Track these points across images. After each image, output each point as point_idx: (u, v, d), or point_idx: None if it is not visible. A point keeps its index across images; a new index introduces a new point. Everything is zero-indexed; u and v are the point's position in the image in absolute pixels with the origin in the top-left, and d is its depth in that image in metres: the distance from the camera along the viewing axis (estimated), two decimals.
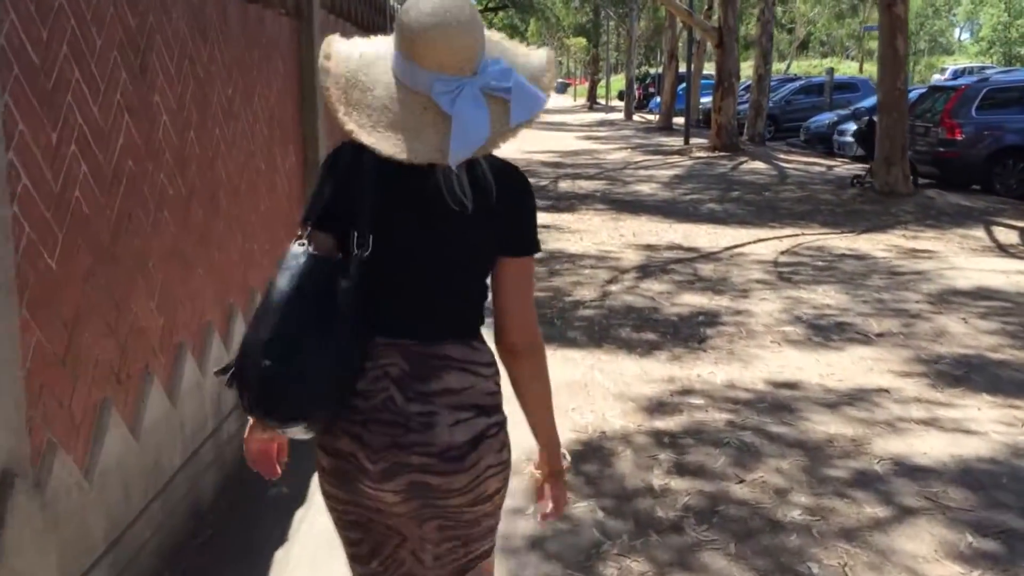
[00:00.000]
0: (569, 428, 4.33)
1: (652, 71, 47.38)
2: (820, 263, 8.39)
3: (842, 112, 21.25)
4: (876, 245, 9.33)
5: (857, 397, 4.82)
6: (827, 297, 7.03)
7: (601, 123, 33.66)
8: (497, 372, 1.80)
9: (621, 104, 40.14)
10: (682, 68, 29.29)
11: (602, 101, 48.85)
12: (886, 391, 4.90)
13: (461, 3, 1.62)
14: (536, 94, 1.66)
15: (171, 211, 3.17)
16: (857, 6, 56.14)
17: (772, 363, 5.41)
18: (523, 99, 1.63)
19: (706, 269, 8.10)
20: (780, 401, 4.75)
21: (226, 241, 3.75)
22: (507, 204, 1.72)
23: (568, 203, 12.47)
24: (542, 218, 10.98)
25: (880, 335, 5.99)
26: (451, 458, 1.69)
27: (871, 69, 54.71)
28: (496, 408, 1.78)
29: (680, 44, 29.43)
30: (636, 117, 35.07)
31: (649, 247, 9.18)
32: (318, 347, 1.63)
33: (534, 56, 1.74)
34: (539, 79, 1.70)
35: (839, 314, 6.53)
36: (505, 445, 1.79)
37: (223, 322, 3.73)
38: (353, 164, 1.69)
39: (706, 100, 28.55)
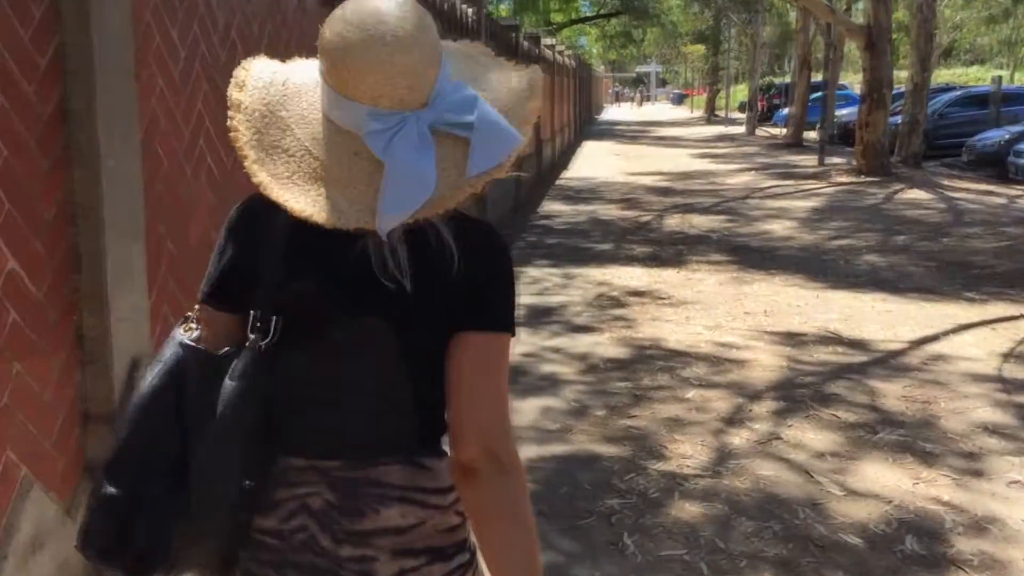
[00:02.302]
0: None
1: (777, 81, 43.49)
2: None
3: (1015, 128, 17.55)
4: None
5: None
6: None
7: (720, 138, 30.27)
8: (459, 498, 1.32)
9: (742, 116, 36.66)
10: (814, 77, 25.81)
11: (721, 113, 45.44)
12: None
13: (401, 9, 1.21)
14: (508, 132, 1.23)
15: None
16: (1010, 10, 50.81)
17: None
18: (489, 138, 1.22)
19: (891, 393, 4.95)
20: None
21: None
22: (472, 277, 1.27)
23: (675, 251, 9.39)
24: (636, 276, 8.03)
25: None
26: None
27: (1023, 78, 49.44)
28: (459, 547, 1.34)
29: (813, 50, 25.94)
30: (760, 131, 31.53)
31: (791, 339, 6.06)
32: (180, 471, 1.23)
33: (515, 78, 1.31)
34: (515, 110, 1.27)
35: None
36: None
37: None
38: (263, 222, 1.29)
39: (841, 112, 25.04)
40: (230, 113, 1.29)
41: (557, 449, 4.19)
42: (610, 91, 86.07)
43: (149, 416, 1.27)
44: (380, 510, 1.29)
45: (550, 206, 13.11)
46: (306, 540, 1.30)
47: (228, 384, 1.26)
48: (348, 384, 1.31)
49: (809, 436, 4.35)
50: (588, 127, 35.21)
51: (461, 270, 1.27)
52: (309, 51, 1.37)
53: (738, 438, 4.34)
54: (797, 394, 4.94)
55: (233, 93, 1.30)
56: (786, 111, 29.02)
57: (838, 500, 3.68)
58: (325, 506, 1.30)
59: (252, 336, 1.28)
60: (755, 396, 4.93)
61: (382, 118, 1.20)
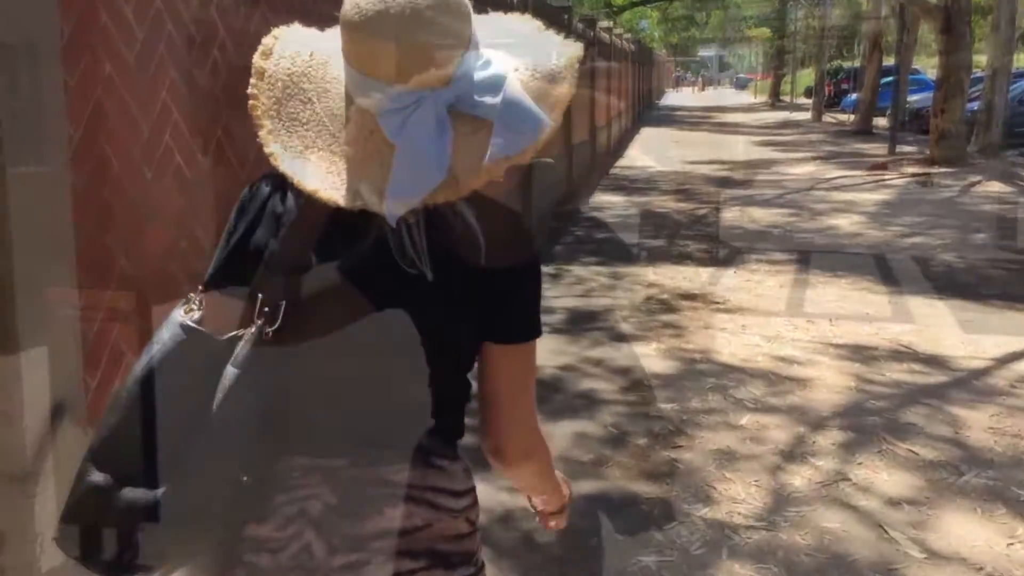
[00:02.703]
0: None
1: (846, 65, 42.09)
2: None
3: None
4: None
5: None
6: None
7: (784, 124, 29.27)
8: (474, 504, 1.29)
9: (808, 102, 35.50)
10: (885, 61, 24.72)
11: (786, 98, 44.18)
12: None
13: None
14: (535, 116, 1.13)
15: None
16: None
17: None
18: (514, 122, 1.12)
19: (976, 424, 4.33)
20: None
21: None
22: (498, 269, 1.20)
23: (732, 248, 8.76)
24: (689, 276, 7.49)
25: None
26: None
27: None
28: (465, 558, 1.27)
29: (884, 32, 24.84)
30: (826, 118, 30.43)
31: (860, 353, 5.44)
32: (173, 462, 1.13)
33: (553, 56, 1.19)
34: (547, 91, 1.17)
35: None
36: None
37: None
38: (274, 201, 1.23)
39: (913, 98, 23.93)
40: (252, 81, 1.23)
41: (588, 486, 3.67)
42: (673, 75, 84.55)
43: (143, 401, 1.17)
44: (384, 510, 1.22)
45: (602, 197, 12.53)
46: (299, 553, 1.21)
47: (230, 371, 1.15)
48: (359, 378, 1.22)
49: (882, 477, 3.76)
50: (647, 112, 34.34)
51: (486, 259, 1.19)
52: None
53: (798, 478, 3.77)
54: (867, 423, 4.35)
55: (258, 60, 1.24)
56: (855, 96, 27.91)
57: (918, 565, 3.11)
58: (324, 510, 1.22)
59: (258, 322, 1.17)
60: (818, 424, 4.34)
61: (398, 97, 1.12)
